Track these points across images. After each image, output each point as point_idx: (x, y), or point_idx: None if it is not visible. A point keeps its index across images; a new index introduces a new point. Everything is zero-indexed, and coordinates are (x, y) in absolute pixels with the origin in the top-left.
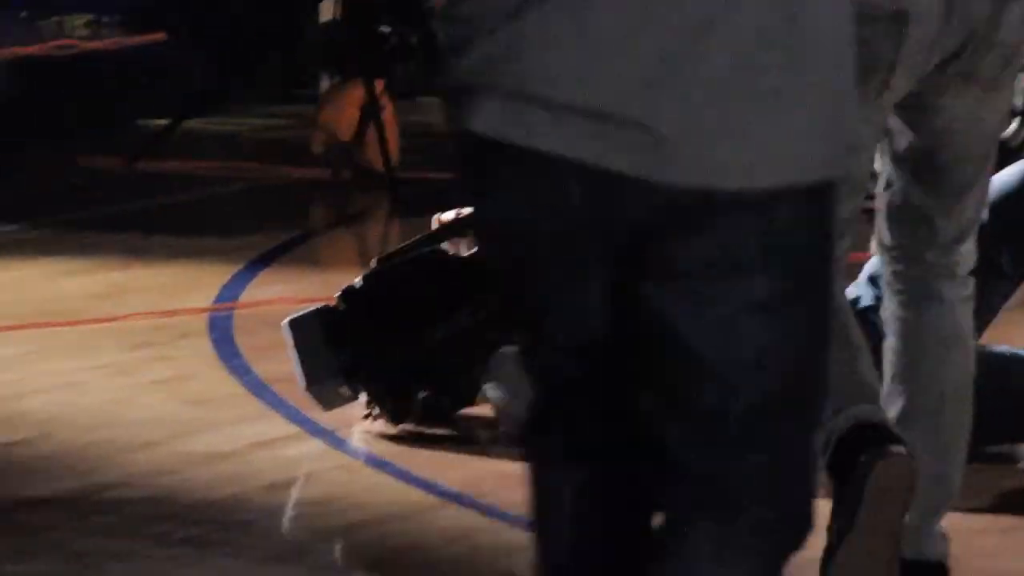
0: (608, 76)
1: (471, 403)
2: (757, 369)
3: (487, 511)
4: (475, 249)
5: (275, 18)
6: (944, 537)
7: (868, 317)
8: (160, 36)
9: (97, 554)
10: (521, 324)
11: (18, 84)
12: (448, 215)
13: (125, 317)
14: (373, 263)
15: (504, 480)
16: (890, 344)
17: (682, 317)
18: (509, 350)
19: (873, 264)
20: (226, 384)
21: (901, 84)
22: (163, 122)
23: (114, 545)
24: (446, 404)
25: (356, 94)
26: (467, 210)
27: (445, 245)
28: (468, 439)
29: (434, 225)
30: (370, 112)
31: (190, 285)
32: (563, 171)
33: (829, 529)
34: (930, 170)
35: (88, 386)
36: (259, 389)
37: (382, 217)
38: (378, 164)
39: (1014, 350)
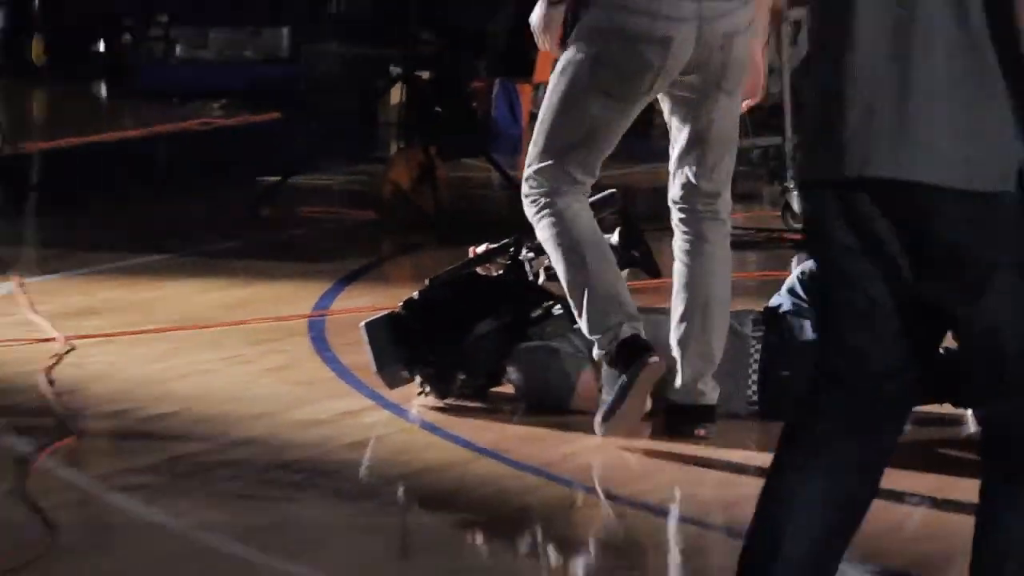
0: None
1: (498, 383)
2: None
3: (510, 463)
4: (500, 271)
5: (356, 101)
6: (715, 387)
7: (786, 318)
8: (275, 115)
9: (228, 494)
10: None
11: (171, 150)
12: (481, 247)
13: (246, 322)
14: (426, 282)
15: (522, 440)
16: (676, 267)
17: None
18: (525, 345)
19: (791, 279)
20: (321, 371)
21: (662, 85)
22: (276, 178)
23: (239, 487)
24: (480, 384)
25: (416, 156)
26: (494, 244)
27: (479, 269)
28: (495, 410)
29: (470, 254)
30: (426, 170)
31: (295, 298)
32: None
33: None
34: (697, 148)
35: (218, 373)
36: (344, 374)
37: (433, 247)
38: (430, 209)
39: None
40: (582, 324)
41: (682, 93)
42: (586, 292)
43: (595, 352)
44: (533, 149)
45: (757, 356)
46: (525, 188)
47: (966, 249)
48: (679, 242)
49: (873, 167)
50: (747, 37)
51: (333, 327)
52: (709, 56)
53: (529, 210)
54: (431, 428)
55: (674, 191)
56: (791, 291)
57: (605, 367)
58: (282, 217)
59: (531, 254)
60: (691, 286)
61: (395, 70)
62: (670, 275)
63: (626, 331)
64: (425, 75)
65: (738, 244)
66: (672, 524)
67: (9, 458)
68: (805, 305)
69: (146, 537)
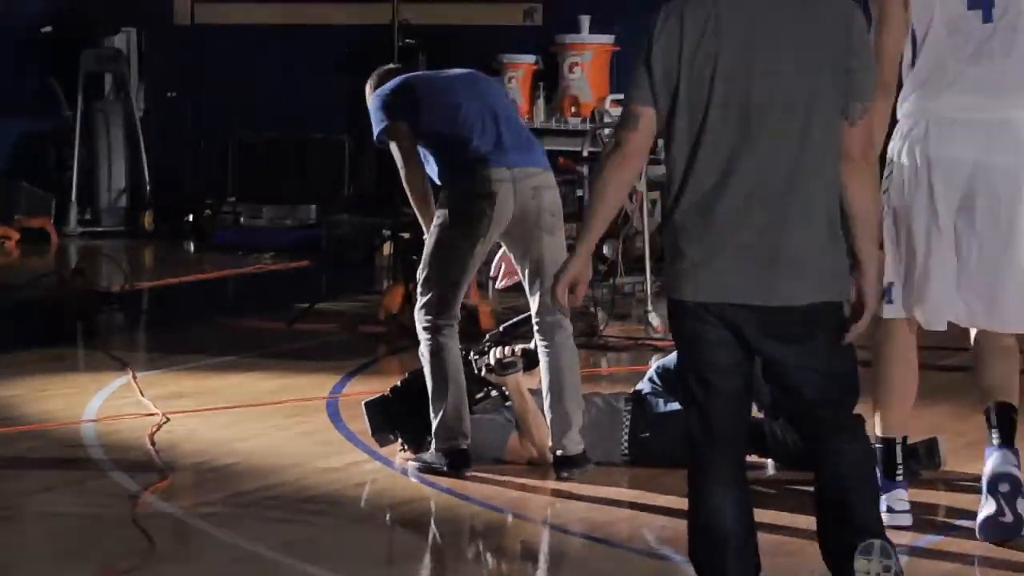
0: None
1: None
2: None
3: (463, 497)
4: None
5: (361, 253)
6: (577, 443)
7: (647, 397)
8: (307, 263)
9: (273, 519)
10: None
11: (234, 288)
12: None
13: (284, 401)
14: (406, 374)
15: (472, 482)
16: (540, 360)
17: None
18: (473, 417)
19: (650, 371)
20: (335, 435)
21: (495, 230)
22: (306, 304)
23: (280, 513)
24: None
25: (400, 289)
26: None
27: None
28: None
29: None
30: (407, 298)
31: (318, 385)
32: None
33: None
34: (537, 277)
35: (266, 436)
36: (351, 437)
37: (412, 350)
38: (411, 324)
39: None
40: (434, 425)
41: (514, 236)
42: (442, 409)
43: (432, 445)
44: (420, 291)
45: (627, 423)
46: (417, 319)
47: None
48: (539, 344)
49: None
50: (554, 192)
51: (344, 405)
52: (524, 205)
53: (420, 335)
54: (407, 474)
55: (532, 309)
56: (651, 379)
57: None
58: (309, 332)
59: (476, 356)
60: (549, 373)
61: (386, 232)
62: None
63: (462, 444)
64: (407, 235)
65: (614, 347)
66: (569, 538)
67: (123, 494)
68: (660, 388)
69: (218, 549)
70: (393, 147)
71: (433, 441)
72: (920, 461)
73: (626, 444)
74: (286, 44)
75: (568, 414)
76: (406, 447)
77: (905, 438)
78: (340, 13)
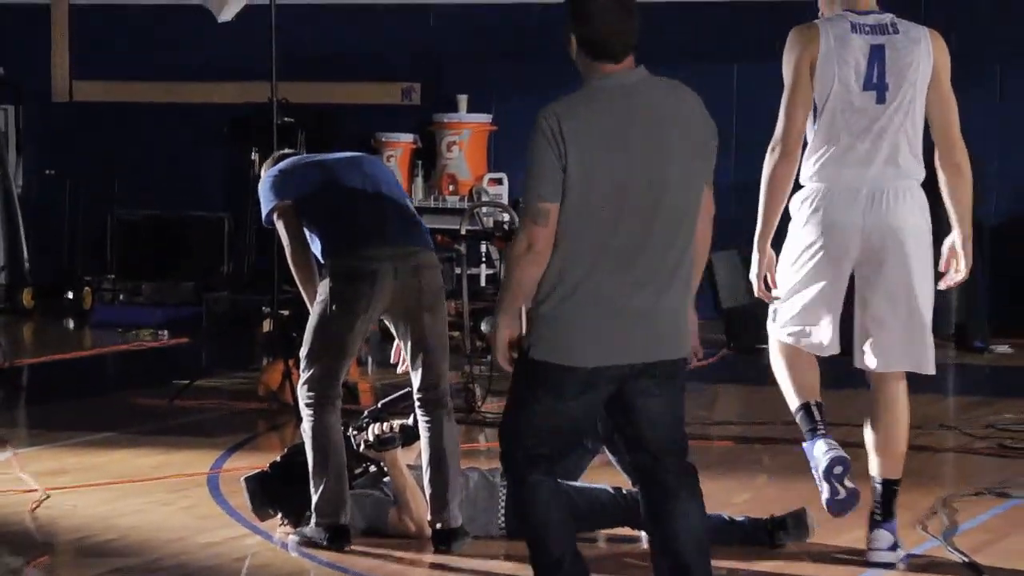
0: None
1: None
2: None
3: (346, 571)
4: None
5: (240, 330)
6: (455, 517)
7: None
8: (186, 340)
9: None
10: None
11: (115, 364)
12: None
13: (166, 477)
14: (285, 450)
15: (353, 556)
16: (422, 434)
17: None
18: (352, 492)
19: None
20: (215, 509)
21: (376, 308)
22: (186, 381)
23: None
24: None
25: (280, 366)
26: None
27: None
28: None
29: None
30: (286, 374)
31: (199, 461)
32: None
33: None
34: (419, 353)
35: (148, 512)
36: (231, 512)
37: (292, 426)
38: (289, 400)
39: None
40: (315, 500)
41: (396, 314)
42: (322, 484)
43: (312, 520)
44: (302, 366)
45: (503, 497)
46: (299, 395)
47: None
48: (420, 419)
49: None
50: (436, 272)
51: (225, 480)
52: (405, 283)
53: (303, 411)
54: (286, 547)
55: (414, 385)
56: None
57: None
58: (190, 408)
59: (354, 432)
60: (430, 448)
61: (266, 309)
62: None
63: (342, 520)
64: (286, 312)
65: (492, 423)
66: None
67: (5, 569)
68: None
69: None
70: (279, 226)
71: (313, 516)
72: (788, 532)
73: (503, 517)
74: (166, 121)
75: (448, 488)
76: (286, 522)
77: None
78: (220, 91)
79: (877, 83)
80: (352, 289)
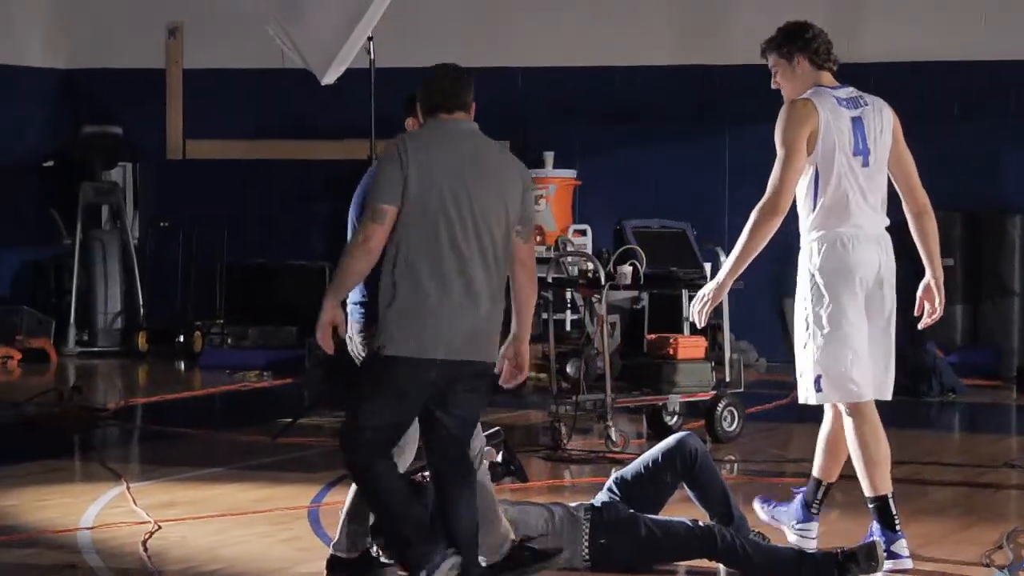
0: None
1: None
2: None
3: None
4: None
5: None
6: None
7: (605, 507)
8: (289, 380)
9: None
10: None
11: (223, 404)
12: None
13: (269, 510)
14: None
15: None
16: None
17: None
18: None
19: (609, 481)
20: (315, 541)
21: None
22: (289, 419)
23: None
24: None
25: None
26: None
27: None
28: None
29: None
30: None
31: (299, 494)
32: None
33: None
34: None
35: (251, 543)
36: (330, 543)
37: None
38: None
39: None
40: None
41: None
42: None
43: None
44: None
45: (587, 530)
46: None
47: None
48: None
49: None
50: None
51: (324, 513)
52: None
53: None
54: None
55: None
56: (609, 489)
57: None
58: (293, 443)
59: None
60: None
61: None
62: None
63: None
64: None
65: (577, 460)
66: None
67: None
68: (618, 497)
69: None
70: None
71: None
72: (859, 564)
73: (587, 550)
74: (272, 177)
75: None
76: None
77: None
78: (321, 149)
79: (862, 149)
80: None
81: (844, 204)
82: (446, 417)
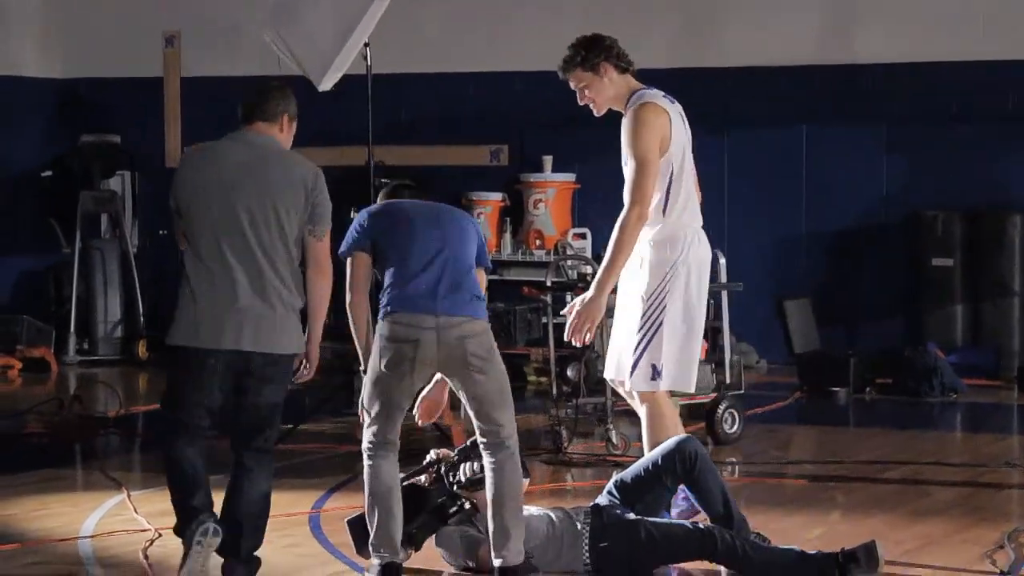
0: None
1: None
2: None
3: None
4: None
5: (339, 375)
6: (517, 553)
7: (604, 509)
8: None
9: None
10: None
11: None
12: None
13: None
14: None
15: None
16: (487, 474)
17: None
18: (446, 529)
19: (609, 484)
20: (317, 547)
21: (421, 370)
22: (289, 425)
23: None
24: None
25: None
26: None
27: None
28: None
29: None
30: None
31: (301, 501)
32: None
33: None
34: (476, 405)
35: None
36: (332, 549)
37: None
38: None
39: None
40: (371, 539)
41: (449, 374)
42: (375, 524)
43: (372, 557)
44: (361, 418)
45: (587, 534)
46: (362, 441)
47: None
48: (485, 460)
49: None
50: (481, 338)
51: (326, 519)
52: (450, 352)
53: (364, 457)
54: None
55: (476, 432)
56: (609, 492)
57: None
58: (293, 449)
59: (447, 472)
60: (493, 488)
61: None
62: (536, 483)
63: (392, 558)
64: None
65: (578, 463)
66: None
67: None
68: (617, 500)
69: None
70: (349, 269)
71: (371, 553)
72: (860, 564)
73: (587, 553)
74: None
75: (508, 527)
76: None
77: None
78: (320, 155)
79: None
80: (398, 352)
81: (686, 201)
82: (244, 402)
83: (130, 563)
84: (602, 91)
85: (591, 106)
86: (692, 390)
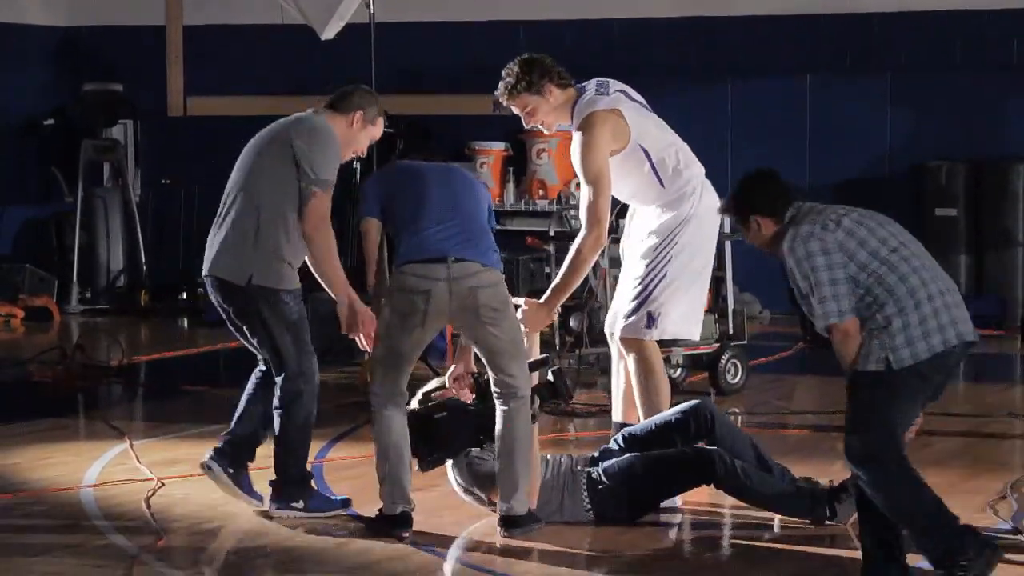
0: None
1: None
2: None
3: (440, 555)
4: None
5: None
6: (523, 503)
7: (604, 453)
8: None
9: (261, 568)
10: None
11: (225, 360)
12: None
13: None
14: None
15: (444, 538)
16: (498, 423)
17: None
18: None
19: (617, 435)
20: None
21: (432, 321)
22: None
23: (269, 573)
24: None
25: None
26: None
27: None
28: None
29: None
30: None
31: None
32: None
33: None
34: (488, 356)
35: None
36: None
37: None
38: None
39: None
40: (380, 489)
41: (461, 326)
42: (383, 476)
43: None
44: (372, 369)
45: (585, 480)
46: (371, 394)
47: None
48: (497, 409)
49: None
50: (495, 289)
51: (328, 469)
52: (462, 302)
53: (372, 410)
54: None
55: (491, 382)
56: (616, 440)
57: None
58: None
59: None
60: (501, 439)
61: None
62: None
63: (400, 509)
64: None
65: (580, 413)
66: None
67: (122, 555)
68: (621, 447)
69: None
70: (363, 234)
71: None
72: (849, 492)
73: (587, 498)
74: None
75: (516, 476)
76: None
77: None
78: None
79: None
80: (409, 303)
81: (687, 159)
82: None
83: (132, 512)
84: (550, 112)
85: (540, 127)
86: (697, 339)
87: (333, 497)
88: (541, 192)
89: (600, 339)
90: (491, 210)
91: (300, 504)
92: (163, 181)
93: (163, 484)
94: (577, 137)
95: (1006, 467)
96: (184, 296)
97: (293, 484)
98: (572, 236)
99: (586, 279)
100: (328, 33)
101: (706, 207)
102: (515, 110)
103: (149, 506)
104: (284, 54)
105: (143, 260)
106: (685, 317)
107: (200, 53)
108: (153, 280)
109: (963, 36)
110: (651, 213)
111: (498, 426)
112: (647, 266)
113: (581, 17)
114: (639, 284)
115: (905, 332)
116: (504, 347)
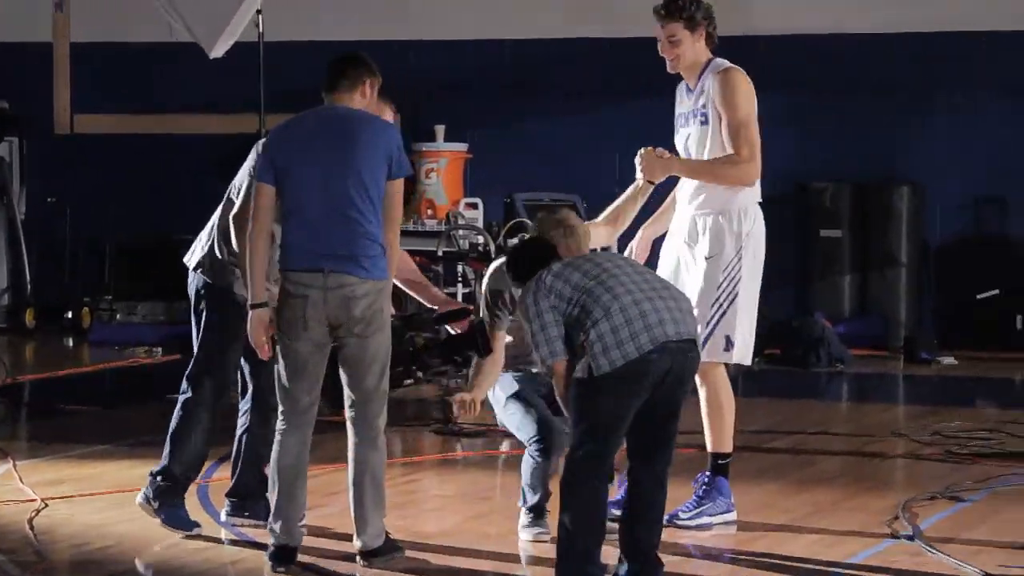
0: None
1: None
2: None
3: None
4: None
5: None
6: (379, 536)
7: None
8: (178, 356)
9: None
10: None
11: (111, 380)
12: None
13: None
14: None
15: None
16: (350, 452)
17: None
18: None
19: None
20: (204, 516)
21: (316, 327)
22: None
23: None
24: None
25: None
26: None
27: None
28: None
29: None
30: None
31: None
32: None
33: None
34: (347, 369)
35: (138, 520)
36: (221, 523)
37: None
38: None
39: None
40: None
41: (335, 335)
42: (274, 503)
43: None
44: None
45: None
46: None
47: None
48: (349, 437)
49: None
50: (369, 299)
51: (213, 489)
52: (335, 312)
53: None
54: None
55: (345, 404)
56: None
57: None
58: None
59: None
60: (352, 469)
61: None
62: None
63: (282, 541)
64: None
65: (469, 434)
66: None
67: None
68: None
69: None
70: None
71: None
72: None
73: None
74: (160, 152)
75: (367, 513)
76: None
77: None
78: (210, 123)
79: None
80: (291, 309)
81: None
82: None
83: (15, 532)
84: (689, 50)
85: (668, 60)
86: (750, 363)
87: (190, 518)
88: (430, 212)
89: None
90: (396, 158)
91: (156, 505)
92: (49, 199)
93: (47, 505)
94: (729, 80)
95: (889, 485)
96: (70, 315)
97: (169, 482)
98: (461, 256)
99: (474, 300)
100: (217, 51)
101: (762, 232)
102: (660, 33)
103: (32, 527)
104: (172, 72)
105: (28, 278)
106: (747, 340)
107: (87, 70)
108: (38, 299)
109: (848, 59)
110: (713, 212)
111: (351, 455)
112: (718, 288)
113: (472, 37)
114: (713, 306)
115: (601, 342)
116: (365, 364)
